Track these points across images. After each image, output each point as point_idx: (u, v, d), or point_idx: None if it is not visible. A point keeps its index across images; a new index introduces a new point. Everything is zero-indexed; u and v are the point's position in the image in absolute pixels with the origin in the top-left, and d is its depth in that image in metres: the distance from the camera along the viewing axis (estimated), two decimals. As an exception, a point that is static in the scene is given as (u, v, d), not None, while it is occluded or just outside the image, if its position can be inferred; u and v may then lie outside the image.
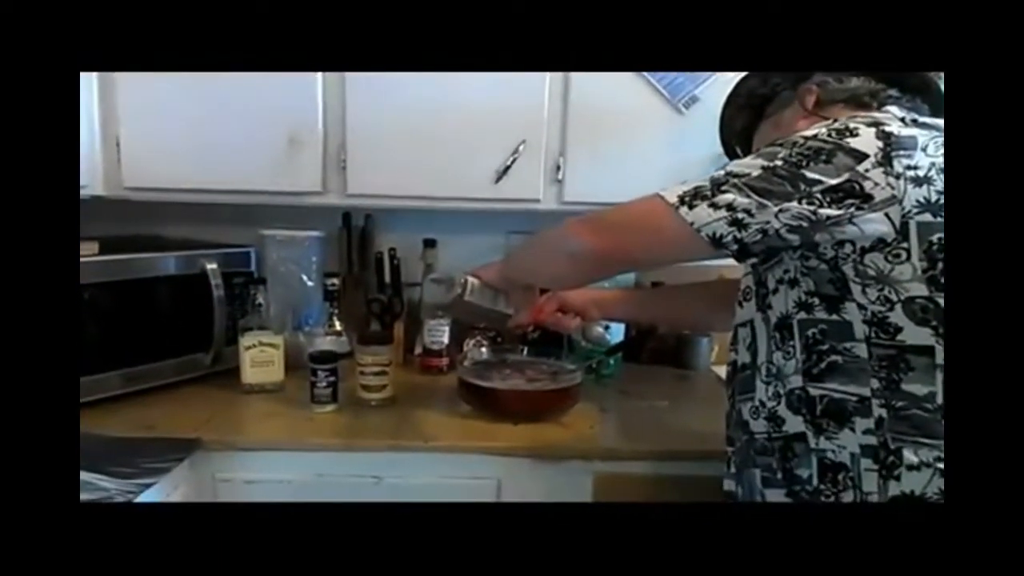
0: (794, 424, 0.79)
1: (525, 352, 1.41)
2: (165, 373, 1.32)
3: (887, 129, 0.72)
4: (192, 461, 1.09)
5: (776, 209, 0.71)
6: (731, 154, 1.04)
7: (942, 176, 0.69)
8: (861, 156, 0.70)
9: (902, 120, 0.75)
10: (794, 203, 0.71)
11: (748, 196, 0.72)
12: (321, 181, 1.40)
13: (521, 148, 1.37)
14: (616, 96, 1.36)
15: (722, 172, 0.75)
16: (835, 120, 0.77)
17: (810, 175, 0.71)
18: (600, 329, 1.39)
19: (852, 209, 0.69)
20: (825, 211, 0.70)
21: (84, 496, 0.91)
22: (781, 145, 0.74)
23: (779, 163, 0.72)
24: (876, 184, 0.69)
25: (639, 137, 1.39)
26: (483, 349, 1.42)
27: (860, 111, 0.84)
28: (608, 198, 1.40)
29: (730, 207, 0.72)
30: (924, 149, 0.71)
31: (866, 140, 0.71)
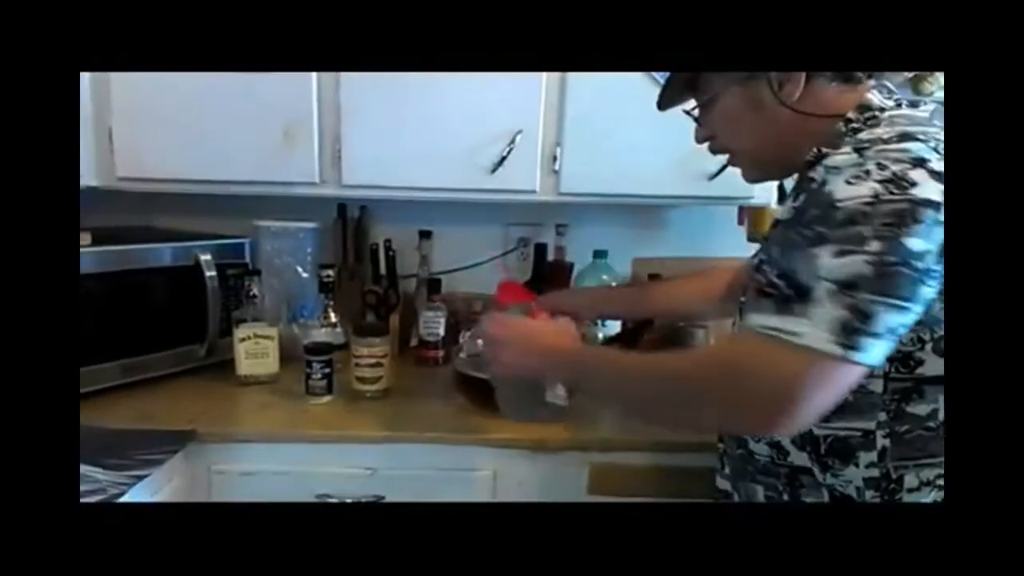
0: (799, 458, 0.78)
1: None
2: (159, 365, 1.32)
3: (934, 168, 0.63)
4: (186, 453, 1.09)
5: (918, 307, 0.64)
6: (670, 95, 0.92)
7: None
8: (937, 205, 0.62)
9: (933, 149, 0.66)
10: (924, 287, 0.63)
11: (890, 306, 0.62)
12: (316, 172, 1.39)
13: (517, 139, 1.36)
14: (612, 86, 1.35)
15: (833, 286, 0.63)
16: (865, 160, 0.66)
17: (915, 247, 0.62)
18: (595, 330, 1.39)
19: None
20: (938, 281, 0.63)
21: (77, 488, 0.90)
22: (850, 220, 0.63)
23: (877, 248, 0.62)
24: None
25: (636, 127, 1.38)
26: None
27: (848, 85, 0.78)
28: (604, 189, 1.42)
29: (890, 329, 0.63)
30: None
31: (927, 187, 0.63)
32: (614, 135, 1.38)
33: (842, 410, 0.71)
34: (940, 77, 1.40)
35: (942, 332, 0.68)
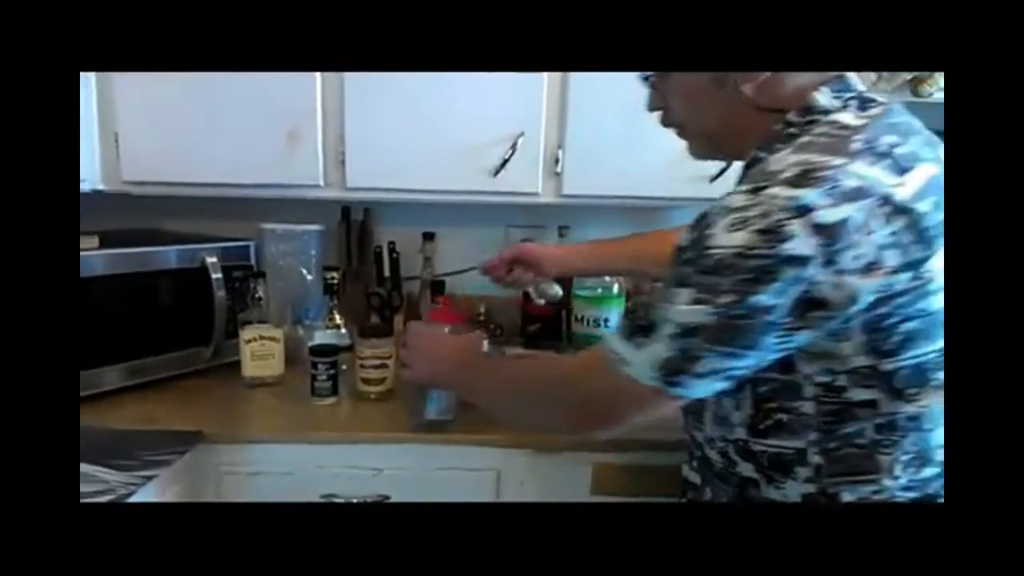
0: (745, 469, 0.78)
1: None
2: (166, 367, 1.33)
3: (818, 220, 0.61)
4: (194, 454, 1.10)
5: (756, 355, 0.66)
6: None
7: (883, 252, 0.63)
8: (804, 260, 0.61)
9: (825, 194, 0.62)
10: (769, 338, 0.65)
11: (722, 354, 0.66)
12: (320, 174, 1.40)
13: (519, 142, 1.37)
14: (614, 88, 1.36)
15: (676, 329, 0.66)
16: (753, 204, 0.64)
17: (764, 302, 0.63)
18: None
19: (818, 320, 0.64)
20: (799, 336, 0.65)
21: (85, 488, 0.91)
22: (714, 270, 0.64)
23: (728, 301, 0.64)
24: (832, 285, 0.62)
25: (637, 129, 1.38)
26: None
27: (817, 72, 0.74)
28: (606, 191, 1.43)
29: (715, 371, 0.67)
30: (860, 230, 0.62)
31: (802, 241, 0.61)
32: (615, 137, 1.39)
33: (777, 429, 0.74)
34: (939, 79, 1.40)
35: (854, 366, 0.68)
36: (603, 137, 1.39)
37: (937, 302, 0.65)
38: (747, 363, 0.67)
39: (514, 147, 1.38)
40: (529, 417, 0.91)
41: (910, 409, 0.69)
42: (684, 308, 0.66)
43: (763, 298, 0.63)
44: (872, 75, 1.39)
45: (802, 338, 0.66)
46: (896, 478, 0.71)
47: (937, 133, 1.67)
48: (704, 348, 0.66)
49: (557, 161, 1.41)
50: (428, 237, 1.68)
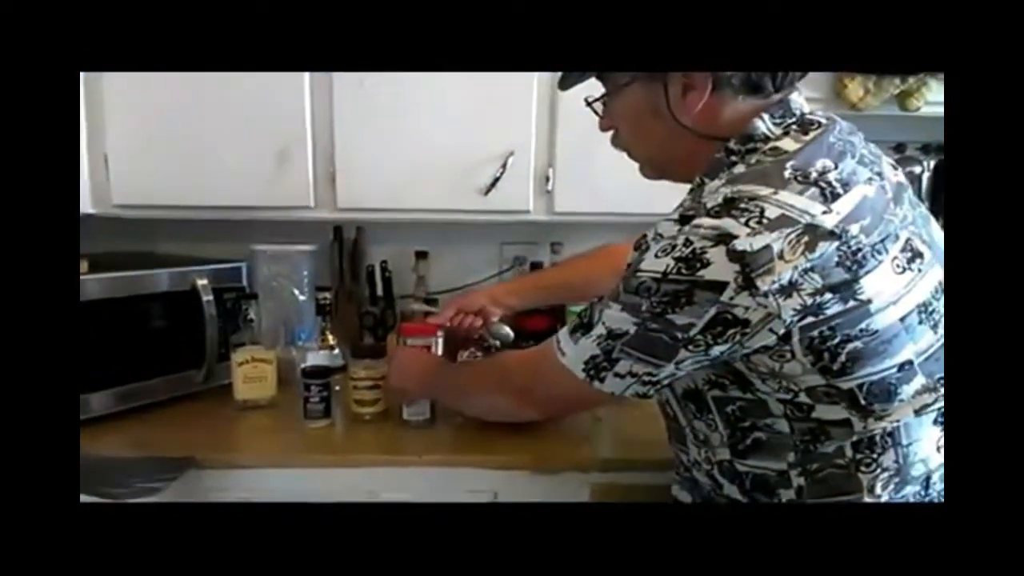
0: (732, 491, 0.79)
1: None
2: (157, 391, 1.31)
3: (737, 247, 0.64)
4: (185, 480, 1.08)
5: (672, 365, 0.71)
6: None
7: (806, 276, 0.64)
8: (720, 286, 0.65)
9: (747, 223, 0.65)
10: (683, 351, 0.69)
11: (640, 360, 0.72)
12: (311, 195, 1.40)
13: (510, 160, 1.38)
14: (604, 106, 1.37)
15: (604, 331, 0.73)
16: (679, 233, 0.68)
17: (679, 320, 0.67)
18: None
19: (737, 337, 0.67)
20: (716, 348, 0.68)
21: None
22: (637, 291, 0.70)
23: (647, 316, 0.69)
24: (747, 308, 0.65)
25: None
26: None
27: (756, 98, 0.75)
28: (597, 208, 1.43)
29: (632, 374, 0.73)
30: (781, 256, 0.64)
31: (719, 267, 0.65)
32: (606, 155, 1.39)
33: (757, 449, 0.75)
34: (927, 93, 1.42)
35: (809, 385, 0.69)
36: (593, 154, 1.39)
37: (883, 320, 0.66)
38: (664, 371, 0.72)
39: (505, 166, 1.38)
40: (480, 402, 1.03)
41: (884, 425, 0.70)
42: (615, 315, 0.72)
43: (678, 317, 0.67)
44: (859, 89, 1.41)
45: (717, 351, 0.69)
46: (877, 497, 0.72)
47: (926, 145, 1.68)
48: (623, 351, 0.72)
49: (548, 179, 1.41)
50: (421, 256, 1.68)
